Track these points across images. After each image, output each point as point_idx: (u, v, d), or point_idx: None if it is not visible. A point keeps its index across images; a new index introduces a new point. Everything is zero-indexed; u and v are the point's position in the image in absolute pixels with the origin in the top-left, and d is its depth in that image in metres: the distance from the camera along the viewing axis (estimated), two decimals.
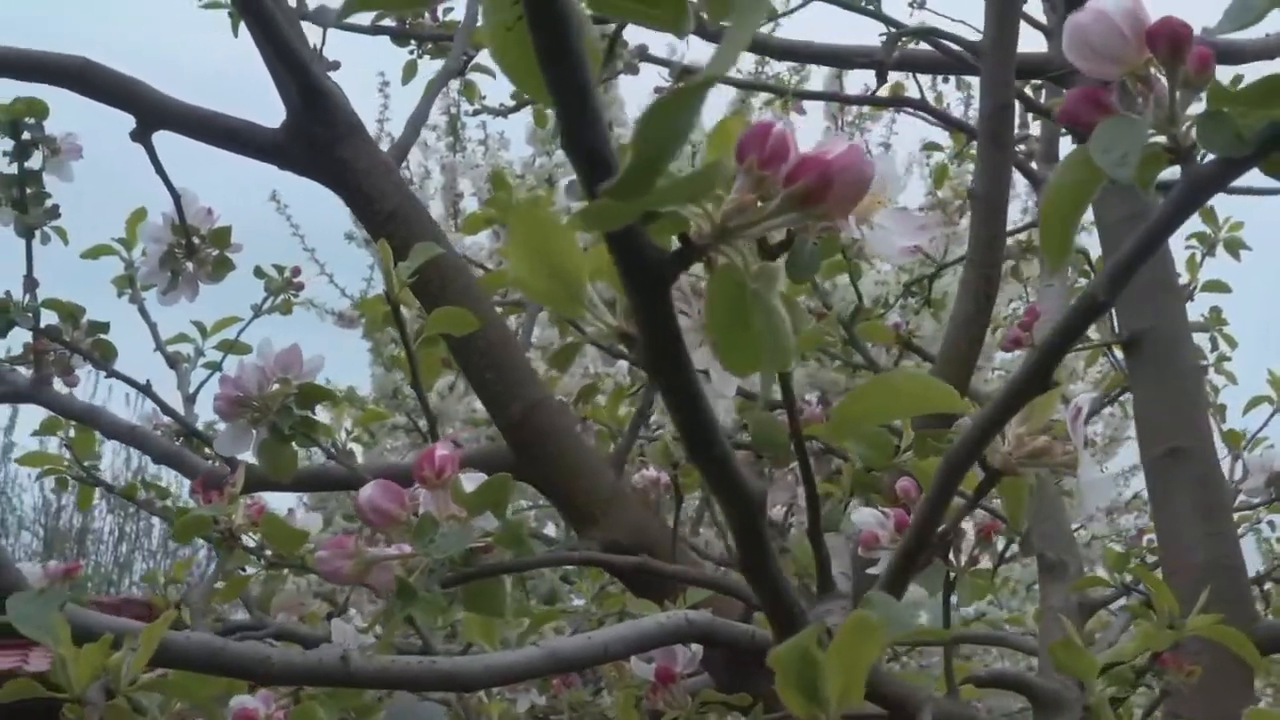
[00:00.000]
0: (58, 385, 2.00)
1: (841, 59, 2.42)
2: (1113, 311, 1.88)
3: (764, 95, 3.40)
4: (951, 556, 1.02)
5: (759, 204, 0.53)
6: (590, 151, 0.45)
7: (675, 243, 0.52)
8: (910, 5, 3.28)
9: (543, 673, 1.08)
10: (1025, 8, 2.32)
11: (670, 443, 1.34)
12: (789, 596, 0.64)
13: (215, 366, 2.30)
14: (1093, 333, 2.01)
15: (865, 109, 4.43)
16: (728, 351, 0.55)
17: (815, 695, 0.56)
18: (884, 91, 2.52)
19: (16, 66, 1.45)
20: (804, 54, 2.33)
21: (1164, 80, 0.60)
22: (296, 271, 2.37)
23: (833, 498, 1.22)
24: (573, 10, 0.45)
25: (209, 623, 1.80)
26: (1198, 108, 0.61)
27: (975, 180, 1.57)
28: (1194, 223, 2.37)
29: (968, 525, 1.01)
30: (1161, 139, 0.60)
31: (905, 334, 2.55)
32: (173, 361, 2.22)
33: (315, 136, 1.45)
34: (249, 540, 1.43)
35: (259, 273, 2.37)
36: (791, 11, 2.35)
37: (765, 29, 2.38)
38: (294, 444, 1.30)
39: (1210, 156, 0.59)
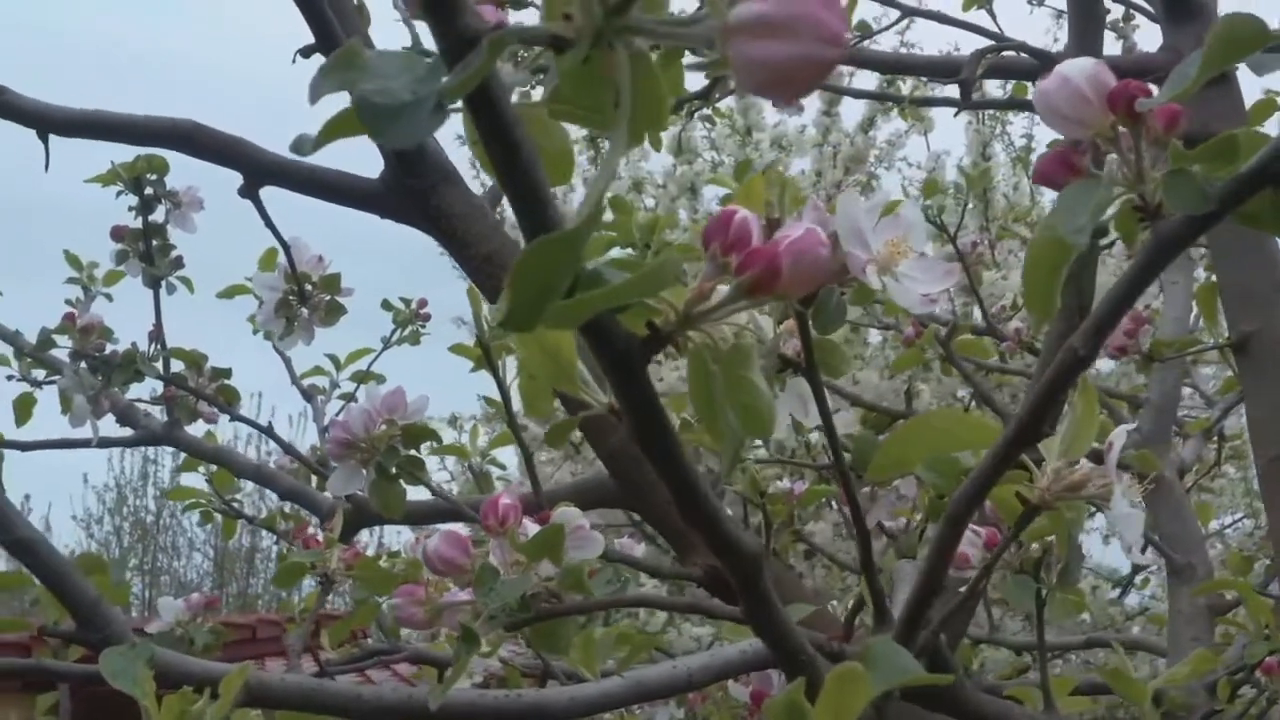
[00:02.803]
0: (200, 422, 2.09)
1: (925, 69, 2.43)
2: (1222, 313, 1.87)
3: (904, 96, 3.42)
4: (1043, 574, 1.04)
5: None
6: None
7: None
8: (1030, 2, 3.27)
9: (627, 702, 1.12)
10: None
11: (756, 472, 1.37)
12: (795, 644, 0.67)
13: (349, 398, 2.38)
14: (1205, 335, 2.00)
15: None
16: (705, 424, 0.58)
17: None
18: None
19: (129, 131, 1.52)
20: (891, 65, 2.34)
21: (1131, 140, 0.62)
22: (423, 303, 2.45)
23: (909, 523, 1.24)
24: (523, 137, 0.49)
25: (345, 651, 1.87)
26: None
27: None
28: None
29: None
30: (1132, 196, 0.62)
31: (1029, 339, 2.54)
32: (308, 394, 2.31)
33: (410, 186, 1.50)
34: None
35: (386, 305, 2.45)
36: (887, 29, 2.37)
37: (871, 41, 2.40)
38: (401, 482, 1.36)
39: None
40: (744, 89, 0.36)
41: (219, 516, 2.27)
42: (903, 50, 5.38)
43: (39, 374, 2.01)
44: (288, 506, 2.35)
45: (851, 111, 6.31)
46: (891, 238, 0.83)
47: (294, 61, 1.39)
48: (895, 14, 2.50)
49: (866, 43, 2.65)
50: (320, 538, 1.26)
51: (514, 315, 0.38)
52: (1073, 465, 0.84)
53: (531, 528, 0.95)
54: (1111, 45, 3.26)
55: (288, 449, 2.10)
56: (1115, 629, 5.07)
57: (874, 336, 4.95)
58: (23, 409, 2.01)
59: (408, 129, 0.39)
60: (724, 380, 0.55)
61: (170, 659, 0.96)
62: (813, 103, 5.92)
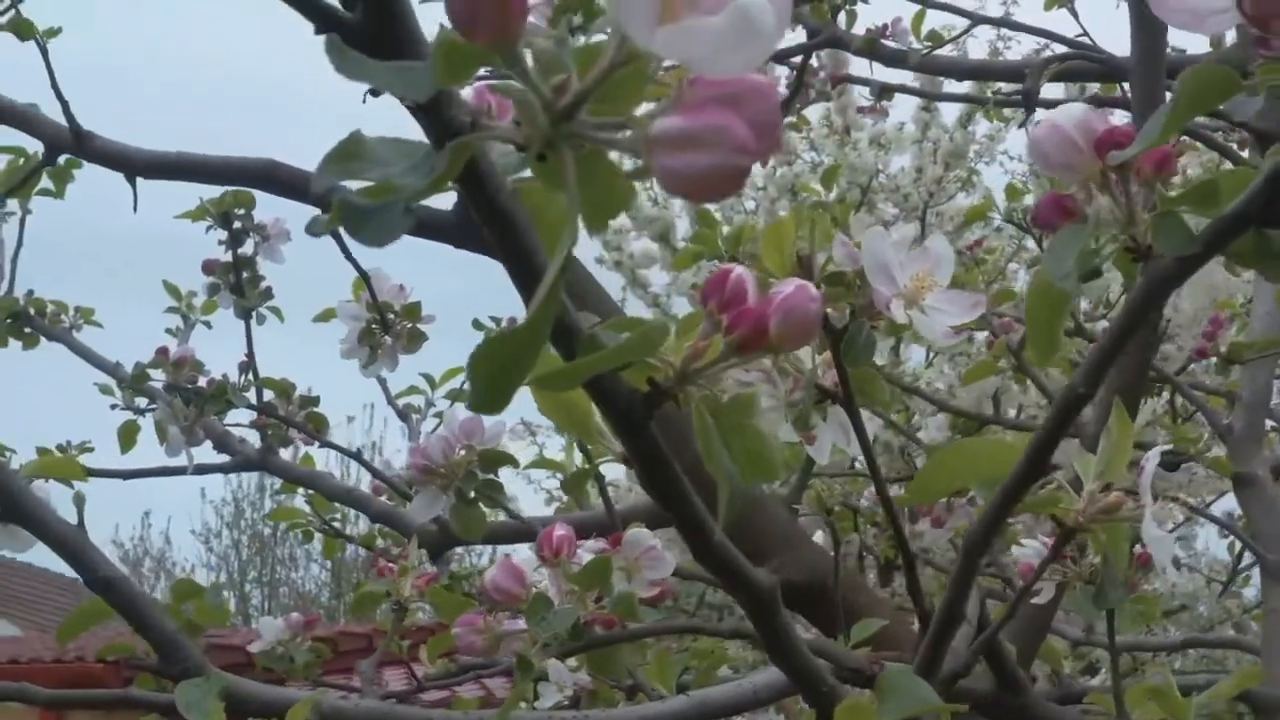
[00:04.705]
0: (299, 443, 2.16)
1: (988, 74, 2.44)
2: None
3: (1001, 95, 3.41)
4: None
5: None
6: (561, 327, 0.53)
7: None
8: None
9: None
10: None
11: (822, 490, 1.39)
12: (814, 675, 0.69)
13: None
14: None
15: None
16: (711, 469, 0.61)
17: None
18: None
19: (210, 171, 1.58)
20: (961, 72, 2.36)
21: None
22: (513, 321, 2.49)
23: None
24: (516, 211, 0.52)
25: (440, 668, 1.91)
26: None
27: None
28: None
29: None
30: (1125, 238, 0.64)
31: None
32: (403, 414, 2.36)
33: None
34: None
35: (476, 325, 2.50)
36: (958, 38, 2.38)
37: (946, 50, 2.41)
38: (480, 505, 1.39)
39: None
40: (668, 193, 0.39)
41: (320, 536, 2.33)
42: (999, 44, 5.38)
43: (141, 402, 2.08)
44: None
45: (951, 106, 6.28)
46: (919, 271, 0.85)
47: (364, 101, 1.43)
48: (987, 13, 2.50)
49: (964, 38, 2.66)
50: (394, 566, 1.30)
51: (477, 402, 0.41)
52: (1108, 488, 0.86)
53: (585, 556, 0.98)
54: (1200, 40, 3.23)
55: (376, 474, 2.15)
56: (1233, 623, 5.00)
57: (980, 333, 4.91)
58: (127, 436, 2.07)
59: (380, 231, 0.42)
60: (722, 431, 0.58)
61: (247, 688, 1.01)
62: (910, 99, 5.90)
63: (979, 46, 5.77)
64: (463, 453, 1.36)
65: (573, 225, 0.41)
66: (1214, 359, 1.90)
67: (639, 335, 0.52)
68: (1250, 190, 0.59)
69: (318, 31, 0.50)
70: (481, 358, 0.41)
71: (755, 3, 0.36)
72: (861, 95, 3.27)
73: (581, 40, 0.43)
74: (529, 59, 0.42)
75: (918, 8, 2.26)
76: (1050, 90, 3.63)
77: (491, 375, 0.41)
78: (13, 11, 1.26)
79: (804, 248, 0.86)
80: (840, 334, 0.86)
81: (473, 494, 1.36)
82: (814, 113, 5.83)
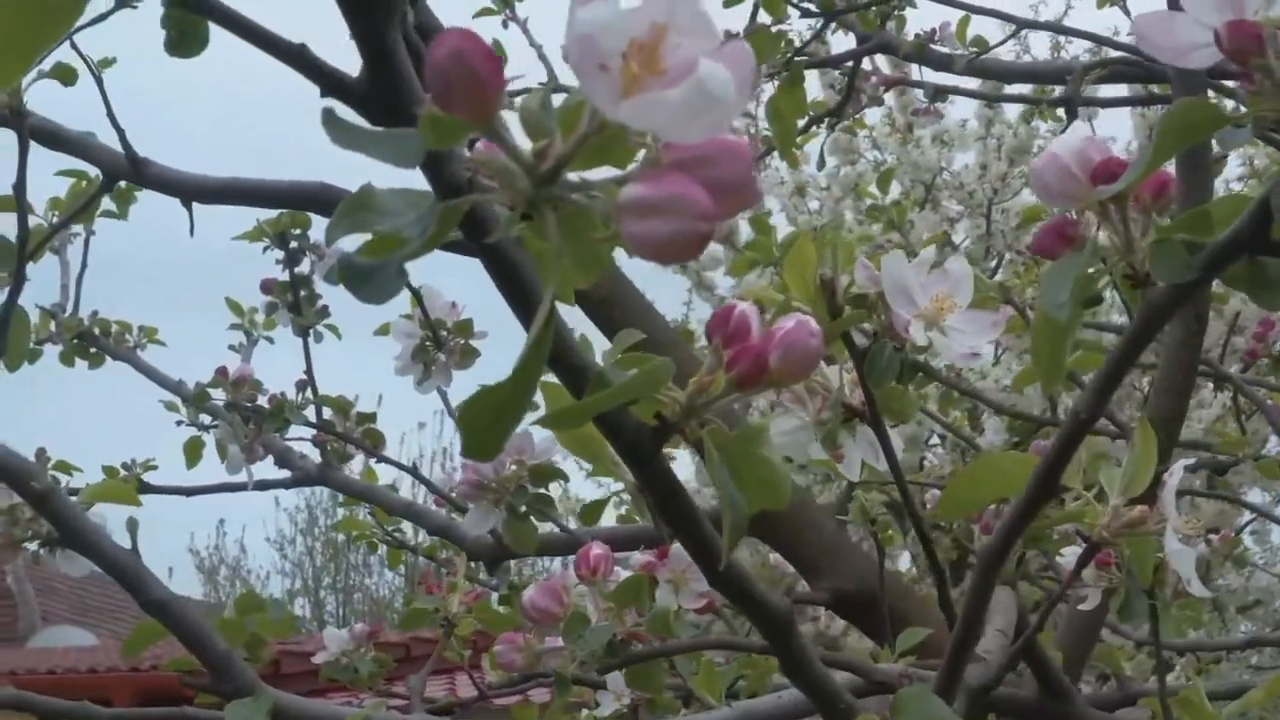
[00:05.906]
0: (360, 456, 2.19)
1: (1035, 77, 2.45)
2: None
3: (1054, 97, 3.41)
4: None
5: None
6: (570, 367, 0.55)
7: None
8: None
9: None
10: None
11: (866, 502, 1.41)
12: (831, 694, 0.71)
13: None
14: None
15: None
16: (718, 497, 0.63)
17: None
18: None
19: (262, 195, 1.60)
20: (1007, 75, 2.37)
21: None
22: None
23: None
24: (520, 258, 0.54)
25: (501, 676, 1.94)
26: None
27: (1175, 201, 1.57)
28: None
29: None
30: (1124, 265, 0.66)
31: None
32: None
33: None
34: None
35: None
36: (1003, 42, 2.40)
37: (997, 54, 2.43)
38: (531, 519, 1.42)
39: None
40: (635, 255, 0.41)
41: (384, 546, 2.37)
42: (1061, 38, 5.38)
43: (205, 419, 2.11)
44: None
45: (1009, 115, 6.24)
46: (939, 292, 0.87)
47: None
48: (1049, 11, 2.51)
49: (1024, 35, 2.65)
50: (443, 583, 1.32)
51: (468, 449, 0.44)
52: (1132, 503, 0.87)
53: (624, 573, 1.00)
54: None
55: (431, 487, 2.18)
56: None
57: None
58: (192, 452, 2.11)
59: (376, 290, 0.44)
60: (732, 461, 0.60)
61: (298, 705, 1.04)
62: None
63: (1041, 41, 5.74)
64: (513, 468, 1.38)
65: (554, 283, 0.44)
66: (1265, 359, 1.89)
67: (643, 373, 0.54)
68: (1241, 218, 0.60)
69: (323, 94, 0.52)
70: (471, 407, 0.43)
71: (713, 75, 0.38)
72: (918, 97, 3.27)
73: None
74: (515, 119, 0.45)
75: (964, 13, 2.28)
76: (1113, 89, 3.63)
77: (481, 424, 0.43)
78: (63, 48, 1.29)
79: (827, 271, 0.87)
80: (864, 354, 0.88)
81: (523, 508, 1.38)
82: (876, 112, 5.82)
